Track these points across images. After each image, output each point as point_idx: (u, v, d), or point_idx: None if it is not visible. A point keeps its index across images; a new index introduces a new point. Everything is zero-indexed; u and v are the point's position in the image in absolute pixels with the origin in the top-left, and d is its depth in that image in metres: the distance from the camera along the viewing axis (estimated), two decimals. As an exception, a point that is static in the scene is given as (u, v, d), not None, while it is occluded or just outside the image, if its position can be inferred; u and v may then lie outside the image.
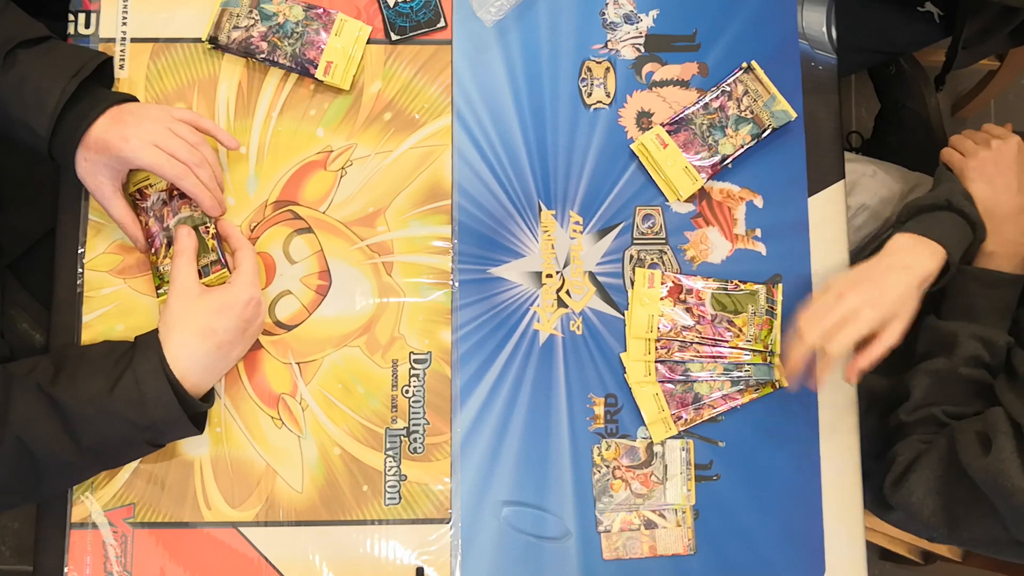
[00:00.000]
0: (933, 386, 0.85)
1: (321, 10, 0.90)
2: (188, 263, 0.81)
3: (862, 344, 0.81)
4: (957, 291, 0.87)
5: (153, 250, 0.85)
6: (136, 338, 0.80)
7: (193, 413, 0.78)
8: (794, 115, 0.90)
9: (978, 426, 0.79)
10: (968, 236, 0.85)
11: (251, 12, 0.89)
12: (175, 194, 0.84)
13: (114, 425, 0.75)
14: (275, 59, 0.89)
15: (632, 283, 0.89)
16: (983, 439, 0.78)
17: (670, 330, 0.87)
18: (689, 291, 0.88)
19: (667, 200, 0.91)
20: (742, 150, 0.90)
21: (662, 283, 0.88)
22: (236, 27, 0.89)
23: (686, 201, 0.91)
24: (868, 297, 0.80)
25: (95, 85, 0.82)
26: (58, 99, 0.77)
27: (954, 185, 0.88)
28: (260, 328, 0.84)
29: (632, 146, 0.91)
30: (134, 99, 0.84)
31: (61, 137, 0.79)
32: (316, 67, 0.88)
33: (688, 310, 0.88)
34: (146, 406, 0.74)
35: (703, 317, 0.88)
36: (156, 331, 0.78)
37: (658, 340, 0.87)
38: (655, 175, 0.90)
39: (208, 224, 0.83)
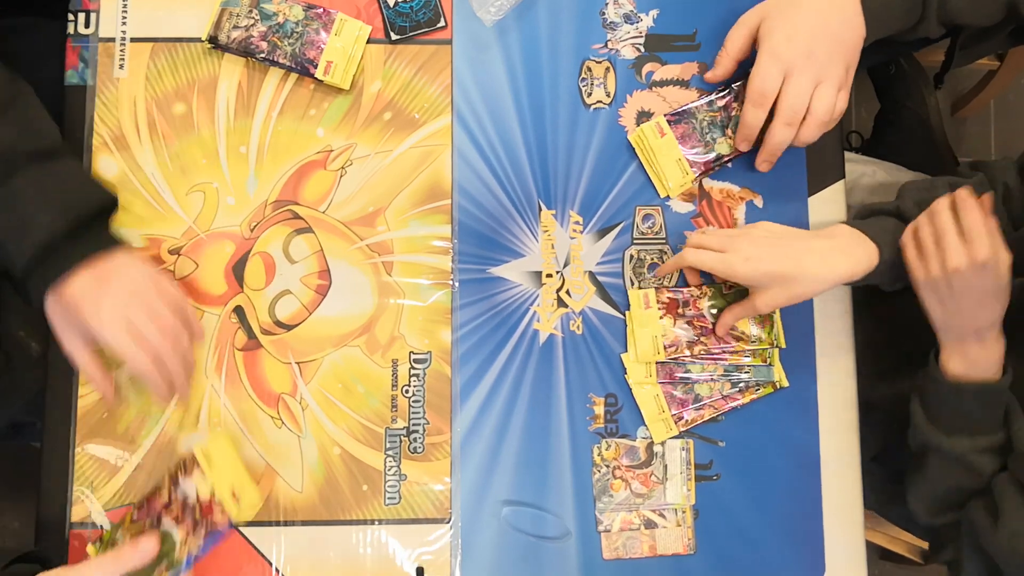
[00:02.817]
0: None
1: (321, 10, 0.90)
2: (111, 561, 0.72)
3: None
4: (951, 406, 0.79)
5: (140, 515, 0.80)
6: None
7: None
8: None
9: (986, 499, 0.76)
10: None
11: (251, 12, 0.89)
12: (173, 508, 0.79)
13: None
14: (275, 59, 0.89)
15: (632, 283, 0.89)
16: (992, 511, 0.75)
17: (675, 348, 0.87)
18: (686, 303, 0.88)
19: (658, 193, 0.90)
20: (737, 153, 0.89)
21: (657, 301, 0.88)
22: (236, 27, 0.89)
23: (686, 201, 0.91)
24: (761, 251, 0.80)
25: (93, 219, 0.76)
26: (46, 236, 0.71)
27: (911, 195, 0.84)
28: None
29: (630, 136, 0.90)
30: (117, 244, 0.77)
31: (37, 274, 0.73)
32: (316, 67, 0.88)
33: (689, 323, 0.88)
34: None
35: (705, 328, 0.87)
36: None
37: (660, 363, 0.87)
38: (647, 165, 0.90)
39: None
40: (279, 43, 0.89)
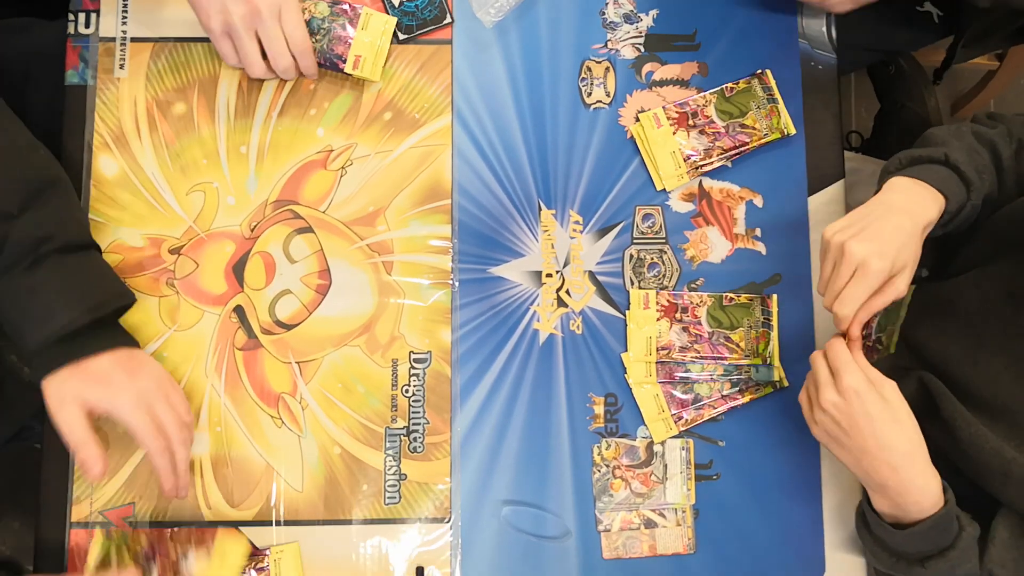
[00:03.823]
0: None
1: (347, 6, 0.89)
2: None
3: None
4: (908, 542, 0.76)
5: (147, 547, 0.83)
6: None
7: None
8: (794, 131, 0.90)
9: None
10: (963, 192, 0.80)
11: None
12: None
13: None
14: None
15: (632, 282, 0.89)
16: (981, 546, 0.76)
17: (667, 352, 0.87)
18: (684, 309, 0.88)
19: (655, 186, 0.90)
20: (736, 151, 0.89)
21: (656, 303, 0.88)
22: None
23: (686, 201, 0.91)
24: (873, 247, 0.73)
25: (107, 320, 0.79)
26: (64, 330, 0.74)
27: (952, 142, 0.82)
28: None
29: (632, 126, 0.90)
30: (135, 344, 0.82)
31: (46, 356, 0.75)
32: (345, 62, 0.88)
33: (685, 329, 0.88)
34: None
35: (700, 336, 0.88)
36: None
37: (659, 363, 0.87)
38: (646, 156, 0.90)
39: None
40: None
